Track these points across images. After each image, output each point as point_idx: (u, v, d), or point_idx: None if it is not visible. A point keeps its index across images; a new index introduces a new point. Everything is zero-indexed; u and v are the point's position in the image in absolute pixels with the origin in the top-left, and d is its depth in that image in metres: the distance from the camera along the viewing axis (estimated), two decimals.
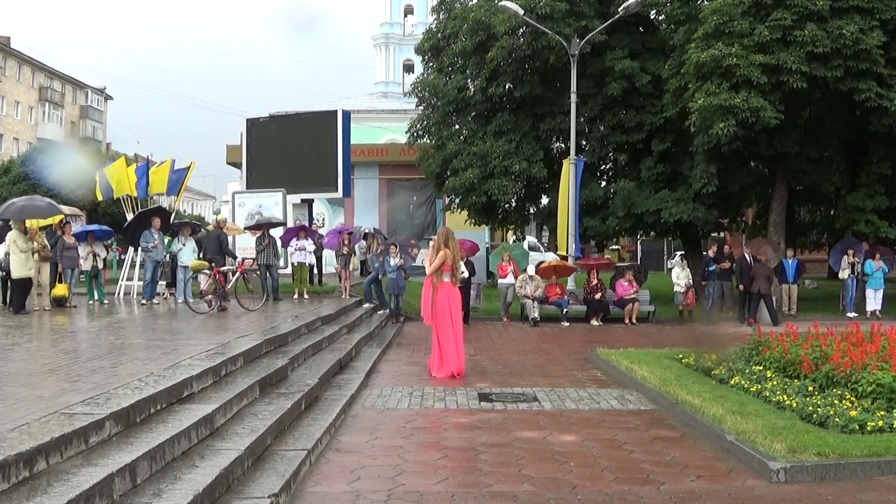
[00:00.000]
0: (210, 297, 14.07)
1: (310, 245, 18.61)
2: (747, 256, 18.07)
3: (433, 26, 25.23)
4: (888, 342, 8.56)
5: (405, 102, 33.75)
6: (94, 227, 16.55)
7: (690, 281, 18.99)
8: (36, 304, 14.15)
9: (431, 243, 10.90)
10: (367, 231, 20.93)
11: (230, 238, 18.18)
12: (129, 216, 18.00)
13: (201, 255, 15.95)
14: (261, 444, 6.03)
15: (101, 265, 16.15)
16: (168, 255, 17.31)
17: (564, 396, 9.09)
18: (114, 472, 4.42)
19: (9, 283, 14.48)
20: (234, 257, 15.94)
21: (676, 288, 18.71)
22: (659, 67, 21.06)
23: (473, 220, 24.87)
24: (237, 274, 14.77)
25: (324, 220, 30.10)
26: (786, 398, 7.62)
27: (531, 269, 18.46)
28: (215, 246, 15.62)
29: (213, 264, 14.71)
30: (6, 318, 12.96)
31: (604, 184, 23.21)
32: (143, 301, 15.87)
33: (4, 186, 32.10)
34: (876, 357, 8.03)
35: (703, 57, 17.68)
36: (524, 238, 31.72)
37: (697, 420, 7.36)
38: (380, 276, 17.49)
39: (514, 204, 24.69)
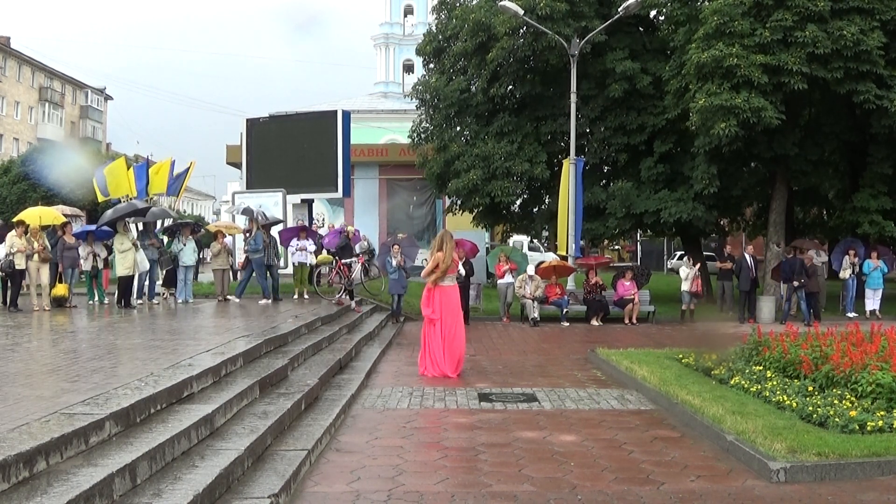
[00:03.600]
0: (339, 293, 16.52)
1: (311, 245, 18.60)
2: (747, 257, 18.08)
3: (434, 27, 25.23)
4: (888, 342, 8.56)
5: (405, 102, 33.76)
6: (94, 226, 16.57)
7: (698, 273, 18.94)
8: (36, 304, 14.17)
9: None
10: (245, 211, 19.18)
11: (230, 239, 18.20)
12: None
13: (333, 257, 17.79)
14: (261, 444, 6.04)
15: (101, 265, 16.17)
16: (169, 256, 17.32)
17: (564, 396, 9.09)
18: (114, 473, 4.42)
19: (9, 283, 14.51)
20: (356, 255, 17.39)
21: (684, 286, 18.66)
22: (660, 68, 21.05)
23: (482, 224, 24.83)
24: (358, 265, 16.90)
25: (323, 220, 30.10)
26: (786, 398, 7.63)
27: (531, 269, 18.47)
28: (346, 251, 17.36)
29: (336, 258, 16.92)
30: (6, 317, 12.97)
31: (604, 185, 23.18)
32: (139, 301, 15.86)
33: (4, 186, 32.05)
34: (876, 357, 8.03)
35: (704, 57, 17.67)
36: (531, 240, 31.75)
37: (697, 420, 7.36)
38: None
39: (518, 205, 24.68)
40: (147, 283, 16.36)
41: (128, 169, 20.63)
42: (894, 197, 20.12)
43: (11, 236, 14.27)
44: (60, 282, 15.37)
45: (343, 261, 16.67)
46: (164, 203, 22.33)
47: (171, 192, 22.06)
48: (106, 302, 16.10)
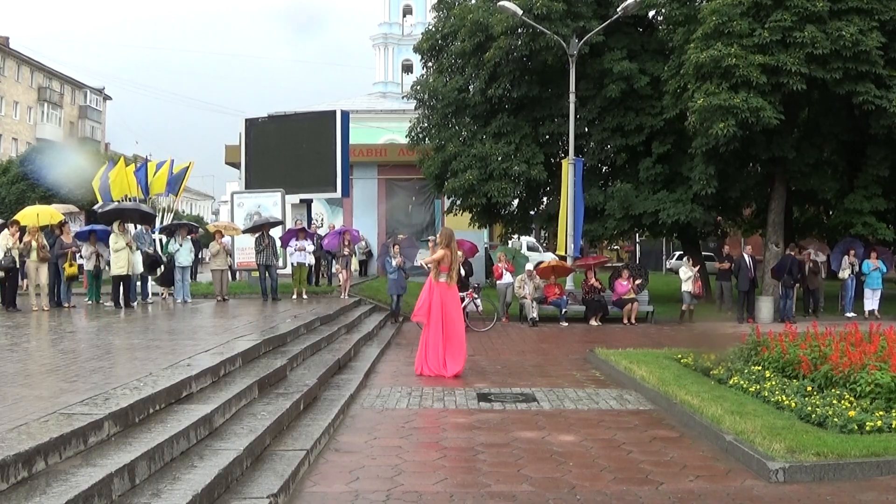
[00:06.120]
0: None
1: (309, 245, 18.63)
2: (746, 257, 18.09)
3: (432, 26, 25.22)
4: (887, 342, 8.57)
5: (404, 102, 33.69)
6: (97, 227, 16.57)
7: (697, 275, 18.96)
8: (34, 304, 14.15)
9: (430, 244, 11.02)
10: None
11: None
12: None
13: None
14: (259, 444, 6.03)
15: (103, 265, 16.17)
16: (166, 256, 17.34)
17: (563, 396, 9.09)
18: (112, 473, 4.42)
19: (6, 283, 14.49)
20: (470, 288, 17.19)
21: (685, 287, 18.65)
22: (658, 69, 21.05)
23: (477, 223, 24.90)
24: (467, 300, 16.09)
25: (322, 220, 30.05)
26: (784, 398, 7.63)
27: (530, 266, 18.50)
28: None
29: None
30: (4, 317, 12.95)
31: (602, 187, 23.19)
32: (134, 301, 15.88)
33: (3, 186, 31.99)
34: (874, 357, 8.04)
35: (703, 57, 17.67)
36: (517, 238, 31.77)
37: (696, 420, 7.37)
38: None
39: (515, 206, 24.69)
40: (139, 283, 16.40)
41: (126, 166, 20.65)
42: (890, 198, 20.11)
43: (5, 235, 14.26)
44: (72, 264, 15.36)
45: None
46: (164, 203, 22.33)
47: (170, 191, 22.06)
48: (103, 302, 16.08)
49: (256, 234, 17.75)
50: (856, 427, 6.65)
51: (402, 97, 34.13)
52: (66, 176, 25.14)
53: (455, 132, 24.02)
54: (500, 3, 19.44)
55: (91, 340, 10.11)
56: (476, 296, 16.79)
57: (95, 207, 19.46)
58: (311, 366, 9.64)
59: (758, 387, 8.25)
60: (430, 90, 23.65)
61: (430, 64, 25.01)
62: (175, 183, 21.99)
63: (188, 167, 22.66)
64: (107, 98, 68.89)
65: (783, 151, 19.43)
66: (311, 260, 19.31)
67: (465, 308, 16.30)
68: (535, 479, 5.88)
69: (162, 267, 17.09)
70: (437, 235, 11.16)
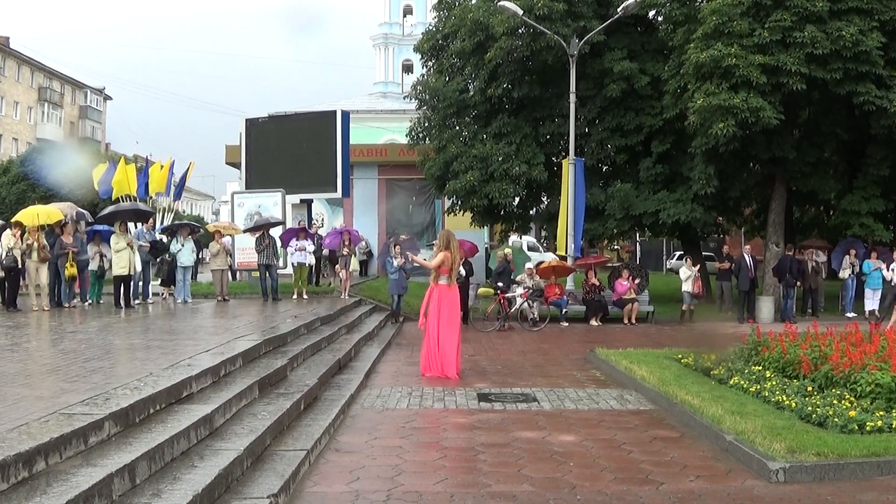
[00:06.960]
0: (495, 318, 16.74)
1: (310, 245, 18.63)
2: (746, 257, 18.09)
3: (432, 26, 25.22)
4: (887, 342, 8.57)
5: (404, 102, 33.71)
6: (102, 227, 16.57)
7: (698, 274, 18.96)
8: (35, 304, 14.15)
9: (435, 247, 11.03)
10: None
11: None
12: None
13: (491, 283, 18.17)
14: (260, 444, 6.04)
15: (107, 265, 16.17)
16: (168, 256, 17.33)
17: (563, 396, 9.10)
18: (113, 473, 4.42)
19: (6, 283, 14.49)
20: (518, 284, 17.66)
21: (685, 287, 18.64)
22: (658, 69, 21.05)
23: (478, 223, 24.93)
24: (522, 300, 16.93)
25: (323, 220, 30.06)
26: (785, 398, 7.63)
27: (530, 265, 18.51)
28: (505, 277, 17.67)
29: (497, 291, 17.23)
30: (5, 317, 12.95)
31: (603, 186, 23.19)
32: (137, 301, 15.87)
33: (3, 186, 31.99)
34: (875, 357, 8.04)
35: (703, 57, 17.66)
36: (519, 236, 31.83)
37: (696, 420, 7.37)
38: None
39: (515, 206, 24.72)
40: (141, 283, 16.41)
41: (126, 165, 20.67)
42: (889, 199, 20.05)
43: (7, 235, 14.27)
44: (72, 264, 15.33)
45: (506, 294, 16.93)
46: (164, 203, 22.34)
47: (176, 195, 22.11)
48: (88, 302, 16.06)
49: (257, 234, 17.75)
50: (856, 427, 6.65)
51: (403, 97, 34.11)
52: (67, 176, 25.14)
53: (456, 132, 24.02)
54: (501, 3, 19.43)
55: (91, 340, 10.10)
56: (529, 296, 17.06)
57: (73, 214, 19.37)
58: (312, 366, 9.64)
59: (758, 387, 8.25)
60: (430, 90, 23.65)
61: (430, 64, 25.01)
62: (179, 189, 22.08)
63: (188, 168, 22.68)
64: (107, 98, 68.89)
65: (783, 151, 19.42)
66: (311, 260, 19.32)
67: (519, 308, 16.83)
68: (535, 479, 5.88)
69: (167, 256, 17.13)
70: (439, 237, 11.17)
